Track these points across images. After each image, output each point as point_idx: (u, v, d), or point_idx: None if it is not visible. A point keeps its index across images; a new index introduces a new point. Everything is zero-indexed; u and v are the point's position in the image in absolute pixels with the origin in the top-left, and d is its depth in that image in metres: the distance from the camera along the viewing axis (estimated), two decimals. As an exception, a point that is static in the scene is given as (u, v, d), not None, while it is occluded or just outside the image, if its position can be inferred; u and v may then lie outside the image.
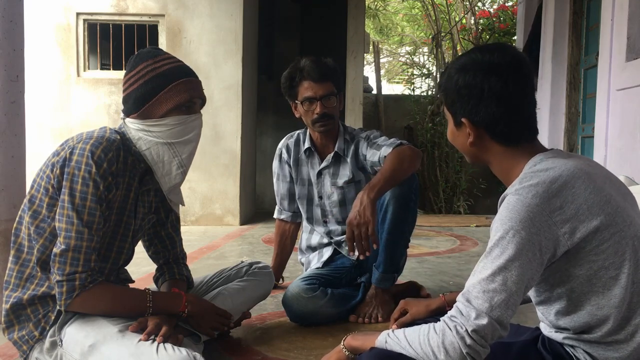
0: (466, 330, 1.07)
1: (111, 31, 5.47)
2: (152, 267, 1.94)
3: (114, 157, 1.56)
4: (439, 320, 1.14)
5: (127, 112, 1.66)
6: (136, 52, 1.70)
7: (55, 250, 1.51)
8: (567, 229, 1.09)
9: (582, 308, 1.14)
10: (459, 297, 1.12)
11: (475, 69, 1.20)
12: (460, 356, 1.08)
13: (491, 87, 1.18)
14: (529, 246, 1.07)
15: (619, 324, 1.12)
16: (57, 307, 1.57)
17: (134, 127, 1.65)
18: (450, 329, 1.09)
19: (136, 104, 1.63)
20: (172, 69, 1.65)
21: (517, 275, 1.07)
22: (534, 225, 1.08)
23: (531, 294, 1.25)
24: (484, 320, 1.07)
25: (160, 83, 1.63)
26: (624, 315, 1.12)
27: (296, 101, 2.42)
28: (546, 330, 1.26)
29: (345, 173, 2.47)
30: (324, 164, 2.50)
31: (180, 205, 1.86)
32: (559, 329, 1.21)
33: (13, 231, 1.64)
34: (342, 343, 1.37)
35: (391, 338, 1.20)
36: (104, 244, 1.65)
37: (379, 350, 1.21)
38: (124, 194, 1.65)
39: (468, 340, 1.07)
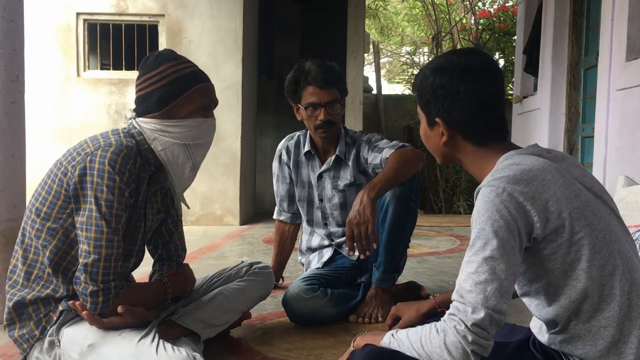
0: (465, 326, 1.07)
1: (111, 31, 5.47)
2: (151, 267, 1.94)
3: (132, 165, 1.58)
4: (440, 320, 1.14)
5: (144, 112, 1.66)
6: (152, 53, 1.70)
7: (85, 260, 1.51)
8: (538, 218, 1.12)
9: (557, 300, 1.16)
10: (454, 295, 1.13)
11: (451, 70, 1.25)
12: (464, 355, 1.07)
13: (466, 88, 1.23)
14: (508, 233, 1.10)
15: (591, 315, 1.14)
16: (59, 307, 1.58)
17: (149, 127, 1.64)
18: (450, 328, 1.09)
19: (160, 103, 1.64)
20: (194, 72, 1.69)
21: (504, 263, 1.09)
22: (509, 212, 1.10)
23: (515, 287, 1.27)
24: (481, 313, 1.07)
25: (184, 84, 1.65)
26: (596, 307, 1.14)
27: (299, 105, 2.40)
28: (535, 329, 1.28)
29: (346, 176, 2.46)
30: (324, 167, 2.49)
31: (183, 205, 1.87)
32: (544, 324, 1.23)
33: (20, 230, 1.65)
34: (352, 344, 1.37)
35: (395, 339, 1.20)
36: None
37: (372, 348, 1.21)
38: (134, 198, 1.65)
39: (470, 337, 1.07)
